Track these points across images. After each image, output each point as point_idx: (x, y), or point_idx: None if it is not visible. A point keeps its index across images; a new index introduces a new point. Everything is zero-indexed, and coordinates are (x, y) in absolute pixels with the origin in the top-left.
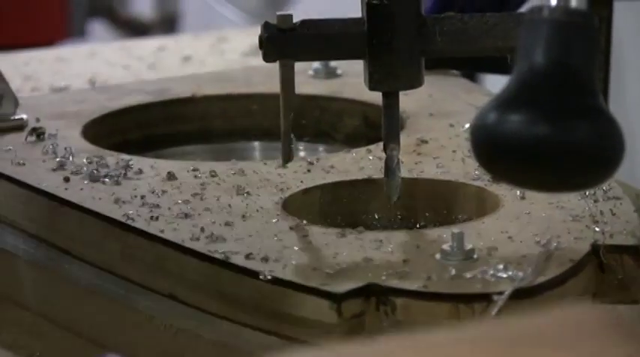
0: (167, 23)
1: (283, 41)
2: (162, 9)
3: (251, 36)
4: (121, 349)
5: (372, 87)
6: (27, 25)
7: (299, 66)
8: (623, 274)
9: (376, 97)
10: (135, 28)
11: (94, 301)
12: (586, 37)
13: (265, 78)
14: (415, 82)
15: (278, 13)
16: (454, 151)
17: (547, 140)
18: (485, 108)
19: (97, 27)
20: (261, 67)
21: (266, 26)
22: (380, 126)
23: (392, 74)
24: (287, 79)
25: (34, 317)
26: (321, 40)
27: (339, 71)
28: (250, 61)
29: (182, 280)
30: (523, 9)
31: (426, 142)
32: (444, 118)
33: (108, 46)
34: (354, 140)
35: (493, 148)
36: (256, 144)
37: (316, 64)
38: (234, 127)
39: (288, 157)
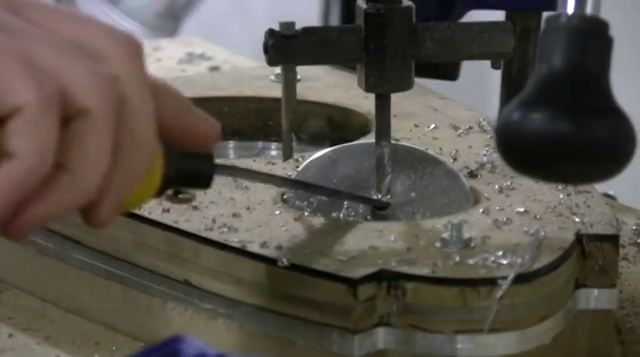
0: None
1: (287, 47)
2: None
3: (182, 45)
4: (132, 333)
5: (368, 89)
6: None
7: (261, 71)
8: (604, 260)
9: (338, 100)
10: None
11: (105, 287)
12: (601, 42)
13: (231, 83)
14: (406, 85)
15: (281, 21)
16: (426, 149)
17: (570, 136)
18: (509, 108)
19: None
20: (227, 72)
21: (271, 33)
22: (343, 127)
23: (386, 77)
24: (289, 82)
25: (45, 304)
26: (322, 45)
27: (298, 76)
28: (187, 68)
29: (197, 268)
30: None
31: (397, 140)
32: (407, 119)
33: None
34: (319, 140)
35: (518, 145)
36: (230, 143)
37: (278, 70)
38: None
39: (289, 153)
